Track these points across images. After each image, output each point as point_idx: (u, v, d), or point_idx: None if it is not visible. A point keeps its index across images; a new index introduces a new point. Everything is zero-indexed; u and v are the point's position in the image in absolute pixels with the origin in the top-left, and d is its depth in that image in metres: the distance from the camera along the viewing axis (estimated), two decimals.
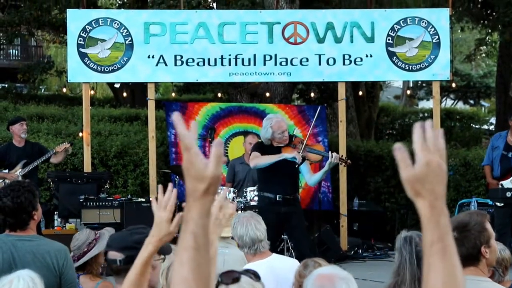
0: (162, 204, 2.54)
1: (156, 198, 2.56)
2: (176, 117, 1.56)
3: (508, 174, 9.05)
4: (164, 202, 2.54)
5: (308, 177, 7.51)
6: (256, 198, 8.58)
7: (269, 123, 7.31)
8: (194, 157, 1.53)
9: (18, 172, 9.36)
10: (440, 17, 10.27)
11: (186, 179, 1.54)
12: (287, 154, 7.21)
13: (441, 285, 1.48)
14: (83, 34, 9.97)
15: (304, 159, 7.36)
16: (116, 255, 3.06)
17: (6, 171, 9.38)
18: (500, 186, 8.97)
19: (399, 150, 1.54)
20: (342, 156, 7.57)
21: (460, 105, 28.41)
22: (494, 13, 16.12)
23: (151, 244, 2.61)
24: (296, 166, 7.23)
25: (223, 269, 3.99)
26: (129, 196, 9.72)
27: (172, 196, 2.54)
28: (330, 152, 7.33)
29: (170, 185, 2.61)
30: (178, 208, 2.70)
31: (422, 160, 1.55)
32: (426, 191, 1.54)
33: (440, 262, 1.51)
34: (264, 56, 10.10)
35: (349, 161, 7.63)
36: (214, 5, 14.25)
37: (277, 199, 7.13)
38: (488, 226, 3.33)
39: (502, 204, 8.66)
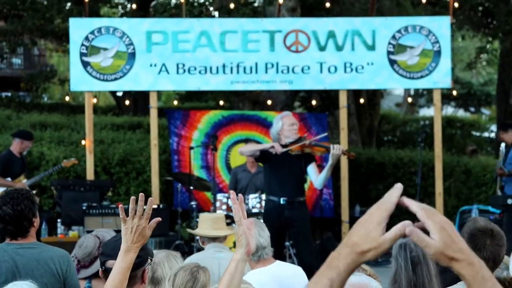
0: (138, 214, 2.72)
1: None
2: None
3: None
4: (139, 211, 2.72)
5: (315, 179, 7.33)
6: (258, 205, 8.62)
7: (280, 116, 7.36)
8: (380, 219, 1.52)
9: (23, 181, 9.45)
10: (441, 25, 10.31)
11: (357, 230, 1.53)
12: (266, 145, 7.19)
13: None
14: (85, 43, 10.03)
15: (311, 158, 7.28)
16: None
17: (9, 179, 9.44)
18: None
19: (414, 233, 1.50)
20: (346, 149, 7.50)
21: (460, 113, 28.44)
22: (494, 22, 16.17)
23: (133, 250, 2.75)
24: (274, 153, 7.12)
25: (218, 273, 4.04)
26: None
27: (148, 205, 2.73)
28: (332, 145, 7.15)
29: (141, 195, 2.73)
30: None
31: (436, 226, 1.51)
32: (457, 253, 1.51)
33: None
34: (266, 64, 10.15)
35: (352, 153, 7.53)
36: (216, 13, 14.31)
37: (281, 202, 7.10)
38: None
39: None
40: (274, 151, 7.03)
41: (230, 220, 7.71)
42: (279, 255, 6.43)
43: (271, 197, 7.19)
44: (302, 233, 7.19)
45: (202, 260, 3.82)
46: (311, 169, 7.28)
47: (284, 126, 7.19)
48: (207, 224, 5.19)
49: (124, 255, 2.75)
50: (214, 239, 5.10)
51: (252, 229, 2.66)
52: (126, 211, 2.77)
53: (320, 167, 7.62)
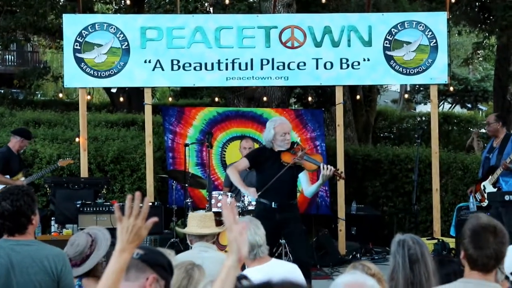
0: (135, 213, 2.65)
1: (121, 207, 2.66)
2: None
3: (489, 175, 9.14)
4: (136, 210, 2.65)
5: (305, 187, 7.38)
6: (253, 203, 8.54)
7: (272, 124, 7.27)
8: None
9: (21, 179, 9.40)
10: (438, 20, 10.25)
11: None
12: (245, 189, 7.14)
13: None
14: (79, 39, 9.94)
15: (301, 168, 7.27)
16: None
17: (8, 177, 9.38)
18: (482, 187, 9.12)
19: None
20: (337, 170, 7.37)
21: (457, 109, 28.41)
22: (491, 17, 16.12)
23: (128, 251, 2.67)
24: (249, 201, 7.15)
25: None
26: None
27: (144, 204, 2.66)
28: (323, 164, 7.09)
29: (137, 194, 2.66)
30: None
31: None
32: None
33: None
34: (261, 60, 10.08)
35: (343, 175, 7.48)
36: (211, 9, 14.23)
37: (273, 206, 7.04)
38: None
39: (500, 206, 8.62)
40: (252, 200, 7.07)
41: None
42: (273, 255, 6.37)
43: (262, 200, 7.11)
44: (296, 231, 7.12)
45: (186, 259, 3.76)
46: (303, 176, 7.33)
47: (277, 136, 7.18)
48: (194, 222, 5.13)
49: (118, 255, 2.67)
50: (201, 237, 5.03)
51: (244, 234, 2.57)
52: (122, 210, 2.70)
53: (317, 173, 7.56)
